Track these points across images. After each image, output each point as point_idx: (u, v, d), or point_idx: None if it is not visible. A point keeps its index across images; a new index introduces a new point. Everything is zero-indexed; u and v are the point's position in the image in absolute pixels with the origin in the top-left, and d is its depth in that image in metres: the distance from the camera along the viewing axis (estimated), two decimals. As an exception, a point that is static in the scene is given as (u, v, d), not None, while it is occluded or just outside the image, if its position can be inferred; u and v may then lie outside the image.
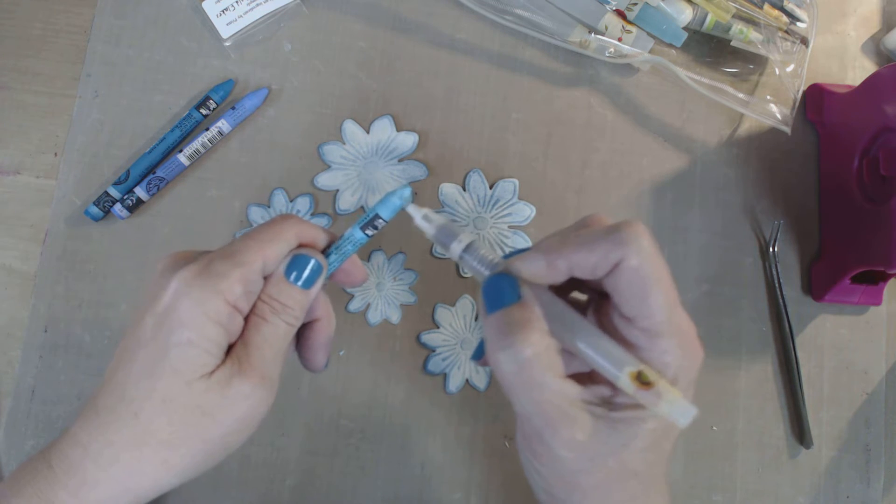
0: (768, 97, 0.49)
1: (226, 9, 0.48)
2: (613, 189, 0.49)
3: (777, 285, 0.48)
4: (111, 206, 0.46)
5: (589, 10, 0.48)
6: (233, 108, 0.47)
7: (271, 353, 0.30)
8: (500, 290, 0.28)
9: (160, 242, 0.47)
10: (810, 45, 0.49)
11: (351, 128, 0.48)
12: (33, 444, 0.44)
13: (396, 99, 0.49)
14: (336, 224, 0.47)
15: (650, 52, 0.48)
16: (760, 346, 0.48)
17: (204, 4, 0.48)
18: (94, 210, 0.46)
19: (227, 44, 0.49)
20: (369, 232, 0.32)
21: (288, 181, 0.47)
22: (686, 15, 0.48)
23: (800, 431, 0.47)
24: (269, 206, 0.47)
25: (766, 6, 0.48)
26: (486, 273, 0.29)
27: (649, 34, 0.48)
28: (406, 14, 0.50)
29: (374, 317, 0.46)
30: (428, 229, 0.30)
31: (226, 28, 0.48)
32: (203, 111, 0.47)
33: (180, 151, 0.46)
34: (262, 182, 0.48)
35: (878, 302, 0.48)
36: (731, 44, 0.49)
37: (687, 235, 0.49)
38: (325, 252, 0.32)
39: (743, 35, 0.48)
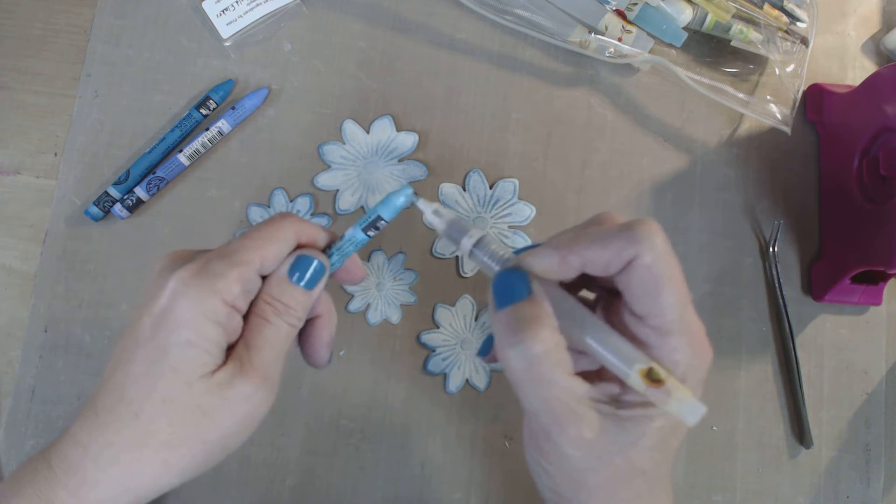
0: (768, 97, 0.49)
1: (226, 9, 0.48)
2: (613, 189, 0.49)
3: (777, 285, 0.48)
4: (111, 206, 0.46)
5: (589, 10, 0.48)
6: (233, 108, 0.47)
7: (273, 354, 0.30)
8: (511, 286, 0.28)
9: (160, 242, 0.47)
10: (810, 45, 0.49)
11: (351, 128, 0.48)
12: (33, 444, 0.44)
13: (396, 99, 0.49)
14: (336, 224, 0.47)
15: (650, 52, 0.48)
16: (760, 346, 0.48)
17: (204, 4, 0.48)
18: (94, 210, 0.46)
19: (227, 44, 0.49)
20: (371, 233, 0.32)
21: (288, 181, 0.47)
22: (686, 15, 0.48)
23: (800, 431, 0.47)
24: (269, 206, 0.47)
25: (766, 6, 0.48)
26: (497, 268, 0.29)
27: (649, 34, 0.48)
28: (406, 14, 0.50)
29: (374, 317, 0.46)
30: (438, 224, 0.30)
31: (226, 28, 0.48)
32: (203, 111, 0.47)
33: (180, 151, 0.46)
34: (262, 182, 0.48)
35: (878, 302, 0.48)
36: (731, 44, 0.49)
37: (687, 235, 0.49)
38: (326, 252, 0.32)
39: (743, 35, 0.48)
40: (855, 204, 0.45)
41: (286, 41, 0.49)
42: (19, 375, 0.45)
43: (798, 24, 0.49)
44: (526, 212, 0.48)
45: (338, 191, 0.47)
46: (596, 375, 0.28)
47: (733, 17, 0.48)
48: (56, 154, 0.47)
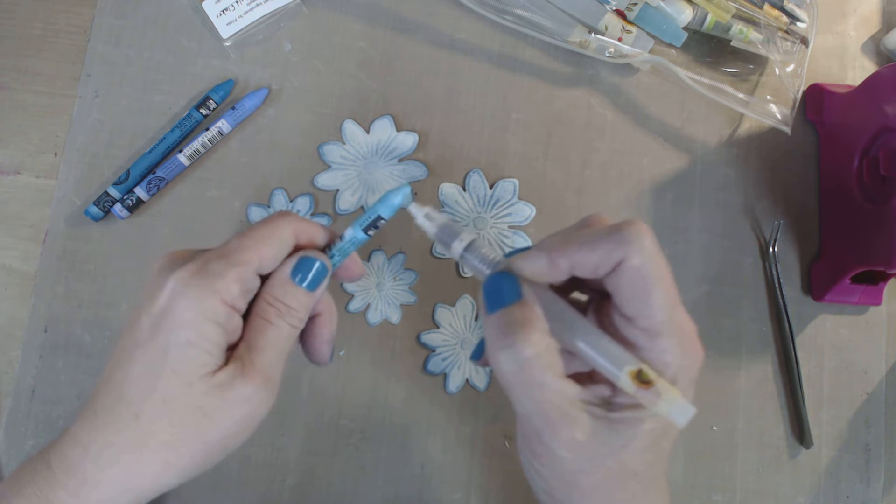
0: (768, 97, 0.49)
1: (226, 9, 0.48)
2: (613, 189, 0.49)
3: (777, 285, 0.48)
4: (111, 206, 0.46)
5: (589, 10, 0.48)
6: (233, 108, 0.47)
7: (275, 355, 0.30)
8: (501, 289, 0.28)
9: (160, 242, 0.47)
10: (810, 45, 0.49)
11: (351, 128, 0.48)
12: (33, 444, 0.44)
13: (396, 99, 0.49)
14: (336, 224, 0.47)
15: (650, 52, 0.48)
16: (760, 346, 0.48)
17: (204, 4, 0.48)
18: (94, 210, 0.46)
19: (227, 44, 0.49)
20: (371, 232, 0.32)
21: (288, 181, 0.47)
22: (686, 15, 0.48)
23: (800, 431, 0.47)
24: (269, 206, 0.47)
25: (766, 6, 0.48)
26: (488, 272, 0.29)
27: (649, 34, 0.48)
28: (406, 14, 0.50)
29: (374, 317, 0.46)
30: (429, 228, 0.30)
31: (226, 28, 0.48)
32: (203, 111, 0.47)
33: (180, 151, 0.46)
34: (262, 182, 0.48)
35: (878, 302, 0.48)
36: (731, 44, 0.49)
37: (687, 235, 0.49)
38: (326, 251, 0.32)
39: (743, 35, 0.48)
40: (855, 204, 0.45)
41: (286, 41, 0.49)
42: (19, 375, 0.45)
43: (798, 24, 0.49)
44: (526, 212, 0.48)
45: (338, 191, 0.47)
46: (587, 378, 0.28)
47: (733, 17, 0.48)
48: (56, 154, 0.47)
